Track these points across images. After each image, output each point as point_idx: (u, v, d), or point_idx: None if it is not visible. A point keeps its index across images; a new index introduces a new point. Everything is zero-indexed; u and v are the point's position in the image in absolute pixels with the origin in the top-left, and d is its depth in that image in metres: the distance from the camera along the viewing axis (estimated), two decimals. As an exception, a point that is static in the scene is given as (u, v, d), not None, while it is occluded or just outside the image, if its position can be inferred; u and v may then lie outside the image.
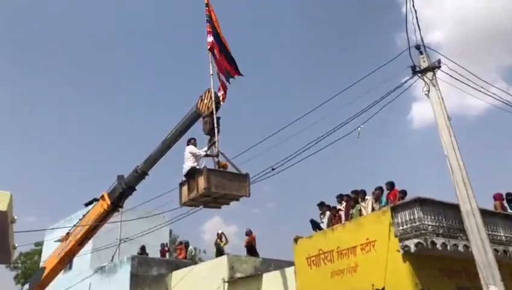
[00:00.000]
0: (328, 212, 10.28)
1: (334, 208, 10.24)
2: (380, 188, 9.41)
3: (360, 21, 49.43)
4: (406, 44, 7.34)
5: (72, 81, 48.70)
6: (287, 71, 50.43)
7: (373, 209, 9.24)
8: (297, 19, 48.45)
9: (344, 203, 10.03)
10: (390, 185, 9.25)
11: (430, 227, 7.82)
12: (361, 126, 7.41)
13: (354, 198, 9.72)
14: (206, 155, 8.38)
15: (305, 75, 49.79)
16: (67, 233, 11.24)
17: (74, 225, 11.30)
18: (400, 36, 45.15)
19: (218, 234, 14.16)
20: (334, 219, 9.97)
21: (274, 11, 47.70)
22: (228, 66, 8.57)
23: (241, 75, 8.72)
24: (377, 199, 9.39)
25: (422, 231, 7.69)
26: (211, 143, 8.38)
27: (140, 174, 9.90)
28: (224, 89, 8.66)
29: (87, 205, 12.52)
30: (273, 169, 7.66)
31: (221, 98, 8.51)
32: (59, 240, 11.94)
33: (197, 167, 8.22)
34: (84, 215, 11.24)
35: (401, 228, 8.05)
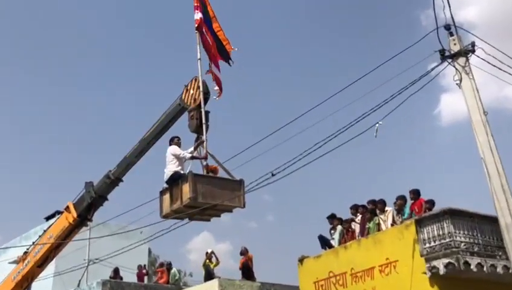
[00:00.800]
0: (339, 227, 10.37)
1: (348, 221, 10.31)
2: (403, 198, 9.49)
3: (377, -1, 49.46)
4: (433, 23, 7.39)
5: (21, 76, 48.28)
6: (291, 58, 50.29)
7: (394, 222, 9.34)
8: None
9: (359, 216, 10.11)
10: (415, 194, 9.35)
11: (462, 244, 7.92)
12: (380, 122, 7.46)
13: (371, 209, 9.82)
14: (192, 157, 8.26)
15: (312, 62, 49.58)
16: (25, 252, 11.22)
17: (33, 243, 11.28)
18: (425, 14, 44.29)
19: (207, 253, 14.21)
20: (347, 235, 10.07)
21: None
22: (215, 50, 8.54)
23: (228, 63, 8.72)
24: (399, 210, 9.49)
25: (454, 249, 7.78)
26: (198, 143, 8.25)
27: (113, 181, 9.84)
28: (219, 83, 8.62)
29: (48, 218, 12.56)
30: (273, 175, 7.62)
31: (217, 95, 8.49)
32: (15, 262, 12.01)
33: (181, 172, 8.09)
34: (45, 231, 11.22)
35: (427, 245, 8.12)
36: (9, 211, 43.01)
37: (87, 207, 10.19)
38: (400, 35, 41.30)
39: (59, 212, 11.45)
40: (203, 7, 8.56)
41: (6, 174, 43.61)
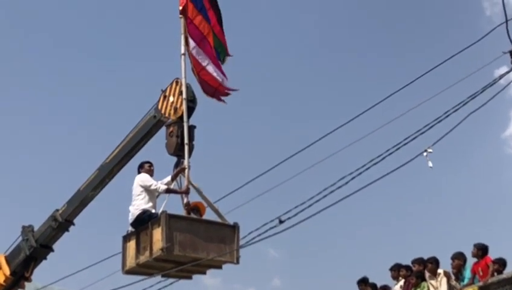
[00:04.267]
0: None
1: (385, 288, 10.24)
2: (461, 256, 9.34)
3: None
4: (501, 14, 7.11)
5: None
6: (306, 55, 48.63)
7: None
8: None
9: (402, 280, 9.96)
10: (481, 250, 9.09)
11: None
12: (429, 150, 7.40)
13: (418, 272, 9.59)
14: (169, 190, 8.18)
15: (336, 68, 48.09)
16: None
17: None
18: (490, 0, 44.50)
19: None
20: None
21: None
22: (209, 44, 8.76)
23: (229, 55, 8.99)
24: (457, 273, 9.29)
25: None
26: (178, 170, 8.24)
27: (61, 224, 9.59)
28: (216, 85, 8.78)
29: None
30: (281, 221, 7.52)
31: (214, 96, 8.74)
32: None
33: (153, 211, 7.97)
34: None
35: None
36: None
37: (25, 261, 9.94)
38: (455, 30, 40.55)
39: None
40: None
41: None
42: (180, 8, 8.65)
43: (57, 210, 9.52)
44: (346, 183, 7.29)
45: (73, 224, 9.70)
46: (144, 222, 7.85)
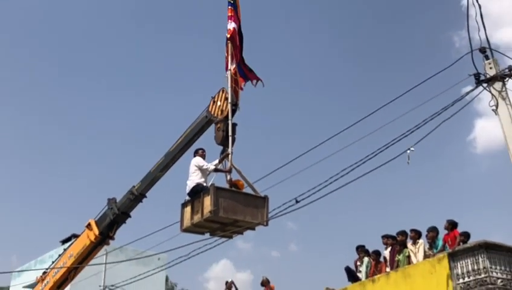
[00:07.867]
0: (366, 259, 10.69)
1: (377, 253, 10.65)
2: (434, 229, 9.68)
3: (406, 16, 49.80)
4: (467, 45, 7.80)
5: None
6: (316, 76, 51.19)
7: (426, 255, 9.52)
8: (328, 14, 49.06)
9: (389, 247, 10.36)
10: (450, 224, 9.47)
11: (499, 281, 8.17)
12: (411, 149, 7.93)
13: (401, 241, 10.01)
14: (216, 170, 8.82)
15: (341, 83, 50.45)
16: (44, 272, 11.97)
17: (53, 263, 12.12)
18: (459, 35, 45.52)
19: (227, 282, 14.64)
20: (377, 267, 10.34)
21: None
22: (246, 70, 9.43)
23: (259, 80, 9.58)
24: (431, 242, 9.66)
25: (490, 286, 8.03)
26: (224, 155, 8.87)
27: (136, 197, 10.42)
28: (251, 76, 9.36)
29: (64, 242, 13.30)
30: (297, 201, 8.09)
31: (238, 88, 9.14)
32: (29, 286, 12.56)
33: (204, 184, 8.63)
34: (65, 250, 11.99)
35: (461, 280, 8.38)
36: (24, 235, 45.33)
37: (110, 224, 10.80)
38: (431, 57, 41.71)
39: (75, 236, 12.20)
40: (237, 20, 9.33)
41: (22, 198, 46.05)
42: (228, 35, 9.13)
43: (134, 186, 10.37)
44: (347, 173, 7.94)
45: (146, 197, 10.48)
46: (197, 192, 8.52)
